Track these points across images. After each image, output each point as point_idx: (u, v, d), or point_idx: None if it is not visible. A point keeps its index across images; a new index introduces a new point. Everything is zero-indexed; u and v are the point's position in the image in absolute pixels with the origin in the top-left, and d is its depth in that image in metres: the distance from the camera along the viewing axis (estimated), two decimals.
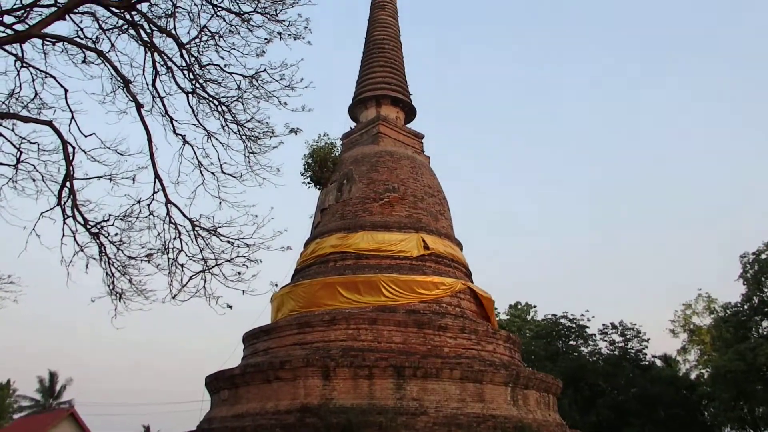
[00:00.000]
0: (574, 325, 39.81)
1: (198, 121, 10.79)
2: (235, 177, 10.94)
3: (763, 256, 32.61)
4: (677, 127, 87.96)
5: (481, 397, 17.48)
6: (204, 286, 10.43)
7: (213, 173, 10.96)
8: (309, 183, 24.67)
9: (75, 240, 10.45)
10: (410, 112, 26.85)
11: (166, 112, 10.66)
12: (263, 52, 10.53)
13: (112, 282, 10.62)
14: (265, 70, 10.47)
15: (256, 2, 10.15)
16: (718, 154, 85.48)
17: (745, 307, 33.57)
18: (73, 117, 10.35)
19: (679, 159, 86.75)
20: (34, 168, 10.41)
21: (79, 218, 10.28)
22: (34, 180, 10.46)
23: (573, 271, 77.41)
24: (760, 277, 32.50)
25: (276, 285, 11.32)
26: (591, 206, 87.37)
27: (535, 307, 44.97)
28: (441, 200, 23.80)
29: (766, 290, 32.67)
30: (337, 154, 24.76)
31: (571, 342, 39.98)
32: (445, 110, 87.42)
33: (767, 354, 28.84)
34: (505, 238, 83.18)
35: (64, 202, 10.23)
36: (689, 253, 76.47)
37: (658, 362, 39.90)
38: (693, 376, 39.75)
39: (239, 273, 10.25)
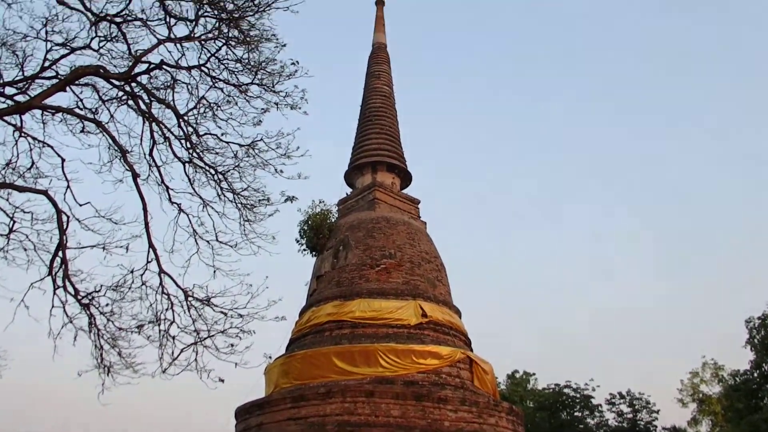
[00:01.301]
0: (578, 395, 38.80)
1: (194, 189, 10.82)
2: (230, 245, 10.91)
3: None
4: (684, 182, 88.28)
5: None
6: (196, 359, 10.20)
7: (208, 242, 10.92)
8: (305, 250, 24.53)
9: (64, 311, 10.29)
10: (406, 178, 27.04)
11: (163, 181, 10.71)
12: (260, 121, 10.69)
13: (101, 355, 10.38)
14: (261, 139, 10.62)
15: (254, 74, 10.36)
16: (716, 207, 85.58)
17: (755, 374, 32.84)
18: (68, 186, 10.40)
19: (682, 212, 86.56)
20: (27, 237, 10.38)
21: (70, 288, 10.15)
22: (25, 249, 10.41)
23: (572, 340, 75.99)
24: (767, 343, 31.96)
25: (270, 357, 11.09)
26: (589, 273, 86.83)
27: (534, 375, 44.04)
28: (438, 266, 23.63)
29: None
30: (332, 220, 24.73)
31: (576, 413, 38.85)
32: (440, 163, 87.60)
33: None
34: (500, 302, 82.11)
35: (55, 272, 10.12)
36: (693, 316, 75.40)
37: None
38: None
39: (232, 345, 10.04)
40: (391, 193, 25.39)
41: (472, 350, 21.77)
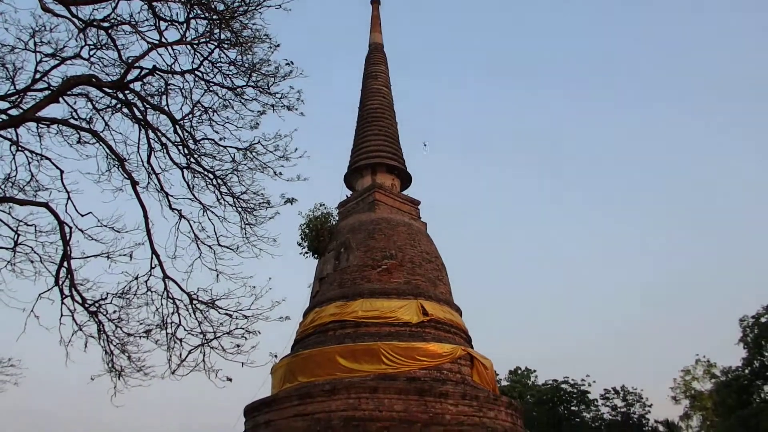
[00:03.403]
0: (575, 391, 39.23)
1: (194, 195, 10.85)
2: (231, 249, 10.96)
3: (763, 320, 32.57)
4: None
5: None
6: (203, 360, 10.32)
7: (210, 246, 10.97)
8: (306, 253, 24.66)
9: (73, 319, 10.38)
10: (405, 179, 27.14)
11: (162, 188, 10.74)
12: (257, 124, 10.64)
13: (111, 360, 10.51)
14: (259, 141, 10.57)
15: (248, 76, 10.32)
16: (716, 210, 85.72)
17: (747, 371, 33.25)
18: (69, 197, 10.38)
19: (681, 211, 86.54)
20: (32, 250, 10.44)
21: (77, 297, 10.24)
22: (32, 261, 10.47)
23: (572, 335, 75.73)
24: (760, 341, 32.30)
25: (275, 356, 11.20)
26: (591, 267, 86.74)
27: (535, 371, 44.40)
28: (439, 266, 23.76)
29: (767, 354, 32.41)
30: (333, 223, 24.84)
31: (572, 407, 39.31)
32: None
33: None
34: (501, 298, 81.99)
35: (62, 282, 10.19)
36: (688, 316, 75.42)
37: (661, 428, 39.12)
38: None
39: (238, 345, 10.14)
40: (391, 194, 25.46)
41: (472, 347, 21.93)
